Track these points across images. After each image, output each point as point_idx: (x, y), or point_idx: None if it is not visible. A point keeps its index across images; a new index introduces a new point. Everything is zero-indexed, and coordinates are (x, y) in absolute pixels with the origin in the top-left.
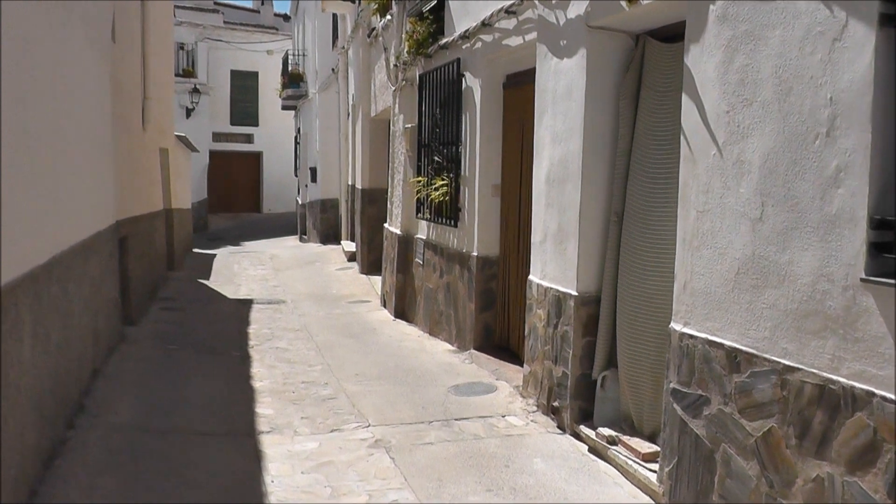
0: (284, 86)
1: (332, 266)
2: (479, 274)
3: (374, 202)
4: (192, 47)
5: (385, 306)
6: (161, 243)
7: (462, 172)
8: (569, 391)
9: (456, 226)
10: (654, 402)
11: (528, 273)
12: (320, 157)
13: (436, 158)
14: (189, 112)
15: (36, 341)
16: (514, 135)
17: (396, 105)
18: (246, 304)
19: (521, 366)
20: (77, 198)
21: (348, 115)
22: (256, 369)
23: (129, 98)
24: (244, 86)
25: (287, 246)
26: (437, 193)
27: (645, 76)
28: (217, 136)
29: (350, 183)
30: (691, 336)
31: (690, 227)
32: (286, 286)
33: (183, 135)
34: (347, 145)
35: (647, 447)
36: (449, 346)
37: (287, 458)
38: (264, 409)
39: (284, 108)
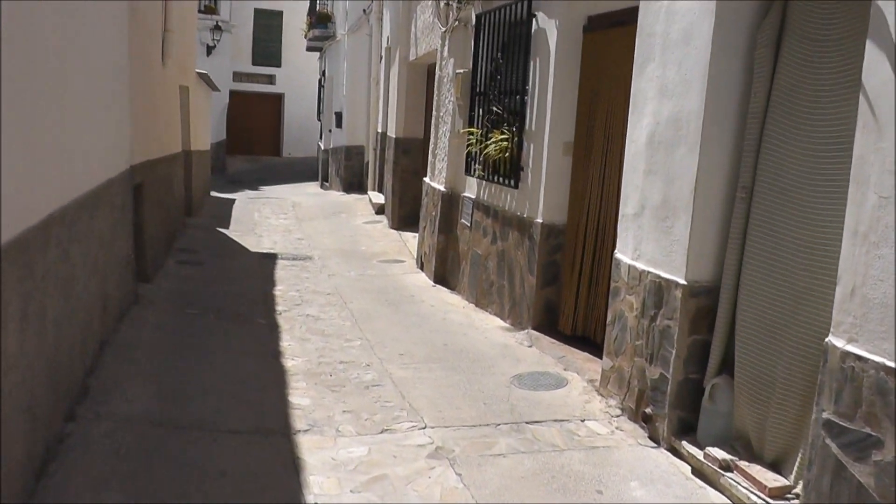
0: (311, 26)
1: (359, 218)
2: (542, 244)
3: (407, 153)
4: None
5: (422, 269)
6: (179, 188)
7: (527, 127)
8: (667, 398)
9: (516, 186)
10: (783, 424)
11: (603, 247)
12: (347, 101)
13: (494, 109)
14: (210, 50)
15: (26, 325)
16: (594, 86)
17: (445, 48)
18: (270, 260)
19: (594, 355)
20: (85, 140)
21: (381, 58)
22: (286, 343)
23: (149, 30)
24: (268, 25)
25: (308, 193)
26: (495, 149)
27: (791, 20)
28: (238, 76)
29: (380, 130)
30: (859, 357)
31: (867, 217)
32: (311, 239)
33: (204, 72)
34: (378, 90)
35: (772, 479)
36: (501, 323)
37: (332, 469)
38: (299, 398)
39: (309, 49)
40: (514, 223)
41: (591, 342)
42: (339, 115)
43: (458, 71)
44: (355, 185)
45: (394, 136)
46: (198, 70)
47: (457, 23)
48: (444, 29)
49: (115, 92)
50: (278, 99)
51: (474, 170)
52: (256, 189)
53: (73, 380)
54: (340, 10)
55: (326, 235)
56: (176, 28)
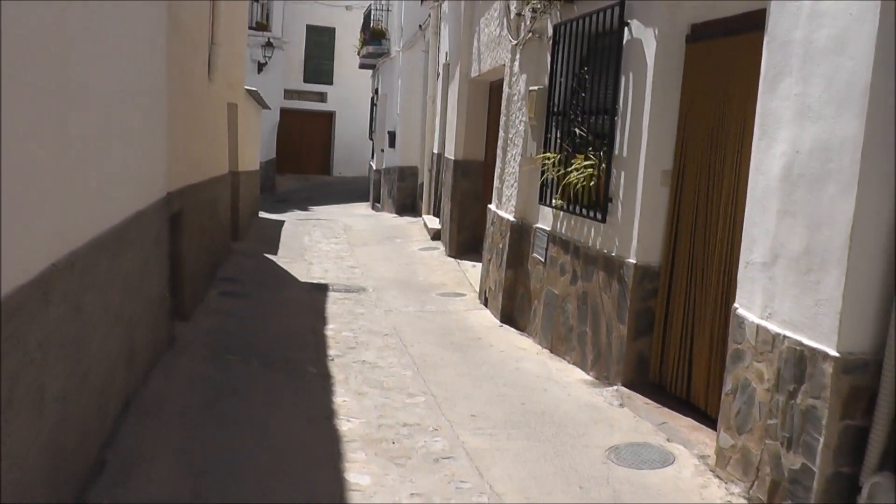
0: (364, 43)
1: (414, 244)
2: (635, 287)
3: (467, 175)
4: None
5: (486, 305)
6: (225, 212)
7: (616, 152)
8: (812, 495)
9: (603, 220)
10: None
11: (707, 294)
12: (401, 120)
13: (576, 131)
14: (261, 67)
15: (12, 412)
16: (699, 106)
17: (516, 63)
18: (320, 291)
19: (700, 421)
20: (107, 168)
21: (438, 75)
22: (341, 398)
23: (193, 42)
24: (320, 42)
25: (359, 214)
26: (579, 176)
27: None
28: (289, 94)
29: (436, 151)
30: None
31: None
32: (365, 267)
33: (254, 89)
34: (434, 109)
35: None
36: (583, 375)
37: None
38: (358, 475)
39: (362, 66)
40: (600, 262)
41: (691, 405)
42: (392, 135)
43: (531, 88)
44: (408, 207)
45: (452, 157)
46: (247, 87)
47: (530, 35)
48: (514, 42)
49: (150, 109)
50: (329, 117)
51: (550, 199)
52: (306, 209)
53: (85, 457)
54: (395, 25)
55: (380, 263)
56: (224, 41)
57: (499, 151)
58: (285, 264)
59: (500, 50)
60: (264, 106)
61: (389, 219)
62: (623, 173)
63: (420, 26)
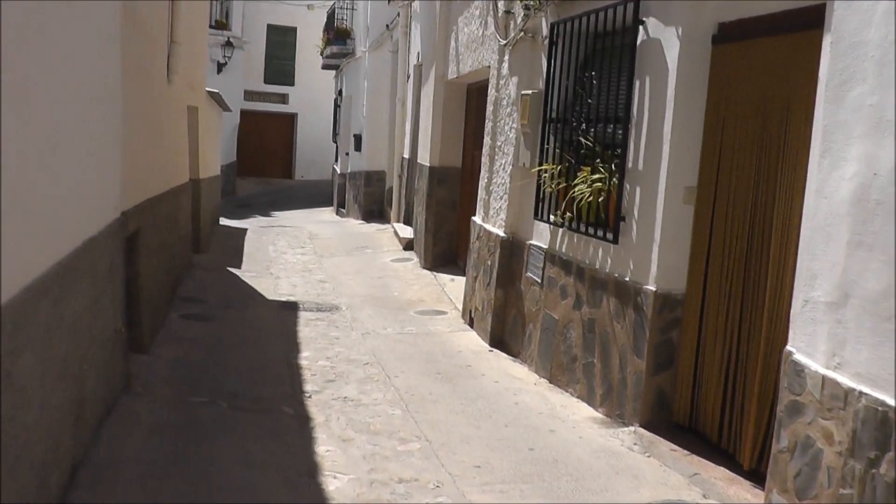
0: (328, 42)
1: (385, 255)
2: (655, 317)
3: (443, 183)
4: None
5: (472, 326)
6: (185, 224)
7: (629, 164)
8: None
9: (614, 240)
10: None
11: (753, 331)
12: (367, 123)
13: (582, 141)
14: (220, 67)
15: None
16: (732, 114)
17: (504, 65)
18: (290, 311)
19: (737, 473)
20: (51, 191)
21: (408, 77)
22: (323, 448)
23: (151, 40)
24: (281, 42)
25: (324, 220)
26: (587, 191)
27: None
28: (249, 95)
29: (406, 156)
30: None
31: None
32: (335, 281)
33: (216, 91)
34: (404, 112)
35: None
36: (592, 412)
37: None
38: None
39: (325, 67)
40: (611, 287)
41: (723, 450)
42: (358, 138)
43: (523, 92)
44: (375, 213)
45: (427, 164)
46: (208, 89)
47: (521, 34)
48: (503, 42)
49: (103, 116)
50: (291, 119)
51: (547, 214)
52: (268, 215)
53: None
54: (361, 25)
55: (352, 276)
56: (184, 40)
57: (485, 160)
58: (251, 279)
59: (484, 51)
60: (225, 108)
61: (356, 226)
62: (638, 189)
63: (387, 26)
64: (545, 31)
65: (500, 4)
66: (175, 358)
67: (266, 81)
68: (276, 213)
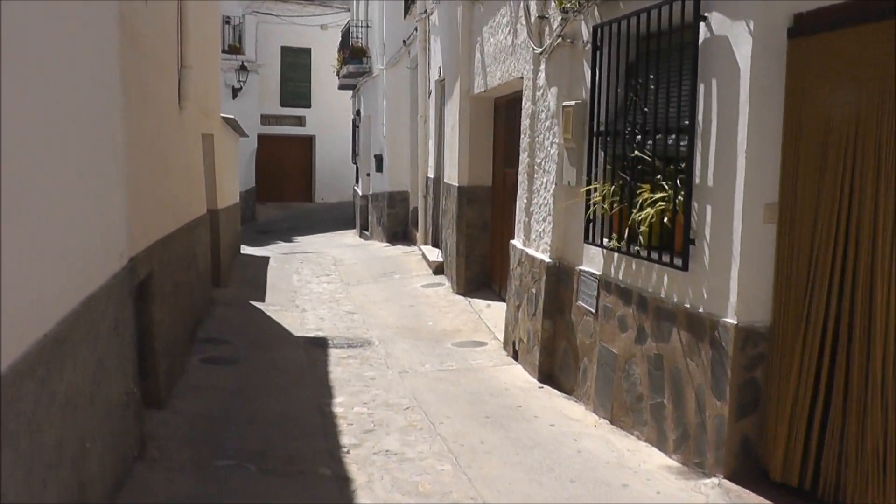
0: (343, 62)
1: (415, 280)
2: (737, 354)
3: (473, 204)
4: (239, 21)
5: (517, 359)
6: (204, 259)
7: (697, 180)
8: None
9: (684, 267)
10: None
11: (874, 371)
12: (388, 143)
13: (638, 155)
14: (235, 92)
15: None
16: (812, 118)
17: (541, 75)
18: (319, 348)
19: None
20: (38, 247)
21: (429, 93)
22: None
23: (158, 63)
24: (296, 63)
25: (348, 244)
26: (650, 210)
27: None
28: (266, 119)
29: (431, 175)
30: None
31: None
32: (365, 312)
33: (231, 117)
34: (426, 129)
35: None
36: (665, 459)
37: None
38: None
39: (342, 87)
40: (681, 319)
41: None
42: (379, 158)
43: (564, 104)
44: (400, 235)
45: (455, 183)
46: (223, 115)
47: (559, 40)
48: (538, 50)
49: (102, 148)
50: (309, 141)
51: (600, 237)
52: (290, 241)
53: None
54: (376, 42)
55: (381, 306)
56: (195, 64)
57: (522, 179)
58: (275, 313)
59: (515, 61)
60: (242, 134)
61: (381, 249)
62: (709, 208)
63: (404, 42)
64: (586, 35)
65: (533, 7)
66: (196, 411)
67: (282, 104)
68: (298, 239)
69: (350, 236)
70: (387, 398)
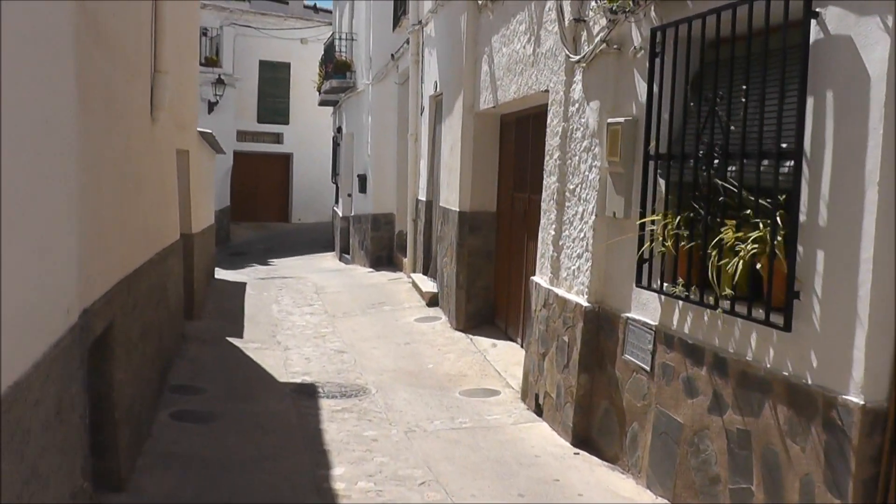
0: (326, 76)
1: (407, 313)
2: (864, 441)
3: (477, 231)
4: (216, 33)
5: (541, 415)
6: (176, 291)
7: (804, 217)
8: None
9: (786, 326)
10: None
11: None
12: (372, 162)
13: (719, 184)
14: (212, 106)
15: None
16: None
17: (576, 87)
18: (309, 399)
19: None
20: None
21: (421, 109)
22: None
23: (127, 65)
24: (274, 78)
25: (328, 268)
26: (742, 253)
27: None
28: (242, 135)
29: (423, 198)
30: None
31: None
32: (355, 350)
33: (208, 132)
34: (417, 149)
35: None
36: None
37: None
38: None
39: (322, 103)
40: (779, 391)
41: None
42: (362, 178)
43: (610, 121)
44: (384, 259)
45: (456, 209)
46: (200, 129)
47: (603, 46)
48: (574, 58)
49: (43, 182)
50: (286, 159)
51: (657, 281)
52: (266, 263)
53: None
54: (362, 56)
55: (374, 343)
56: (170, 69)
57: (548, 206)
58: (255, 352)
59: (537, 72)
60: (219, 150)
61: (365, 275)
62: (821, 253)
63: (392, 55)
64: (637, 40)
65: (567, 8)
66: (164, 493)
67: (259, 120)
68: (275, 261)
69: (330, 259)
70: (396, 468)
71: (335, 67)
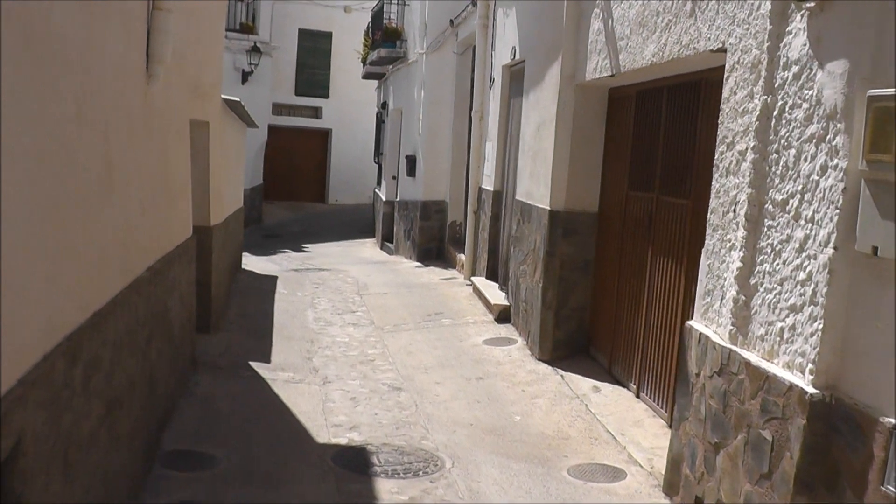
0: (373, 45)
1: (472, 330)
2: None
3: (572, 236)
4: None
5: None
6: (182, 309)
7: None
8: None
9: None
10: None
11: None
12: (424, 142)
13: None
14: (246, 76)
15: None
16: None
17: (797, 40)
18: (359, 478)
19: None
20: None
21: (491, 82)
22: None
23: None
24: (314, 48)
25: (369, 259)
26: None
27: None
28: (278, 108)
29: (490, 188)
30: None
31: None
32: (415, 386)
33: (237, 100)
34: (482, 128)
35: None
36: None
37: None
38: None
39: (367, 76)
40: None
41: None
42: (411, 160)
43: (874, 93)
44: (433, 252)
45: (546, 206)
46: (225, 96)
47: None
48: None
49: None
50: (325, 135)
51: None
52: (300, 249)
53: None
54: (415, 23)
55: (436, 374)
56: (179, 8)
57: (723, 222)
58: (286, 387)
59: (704, 22)
60: (251, 124)
61: (413, 270)
62: None
63: (451, 21)
64: None
65: None
66: None
67: (297, 93)
68: (310, 247)
69: (370, 247)
70: None
71: (384, 35)
